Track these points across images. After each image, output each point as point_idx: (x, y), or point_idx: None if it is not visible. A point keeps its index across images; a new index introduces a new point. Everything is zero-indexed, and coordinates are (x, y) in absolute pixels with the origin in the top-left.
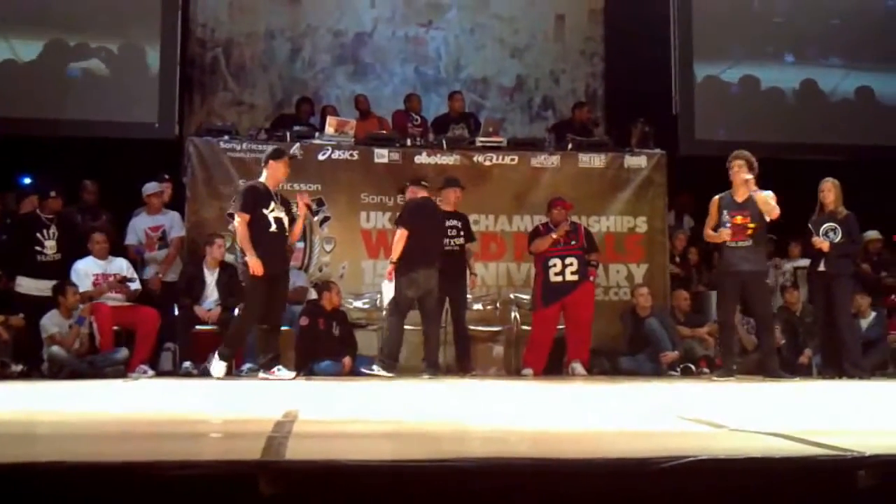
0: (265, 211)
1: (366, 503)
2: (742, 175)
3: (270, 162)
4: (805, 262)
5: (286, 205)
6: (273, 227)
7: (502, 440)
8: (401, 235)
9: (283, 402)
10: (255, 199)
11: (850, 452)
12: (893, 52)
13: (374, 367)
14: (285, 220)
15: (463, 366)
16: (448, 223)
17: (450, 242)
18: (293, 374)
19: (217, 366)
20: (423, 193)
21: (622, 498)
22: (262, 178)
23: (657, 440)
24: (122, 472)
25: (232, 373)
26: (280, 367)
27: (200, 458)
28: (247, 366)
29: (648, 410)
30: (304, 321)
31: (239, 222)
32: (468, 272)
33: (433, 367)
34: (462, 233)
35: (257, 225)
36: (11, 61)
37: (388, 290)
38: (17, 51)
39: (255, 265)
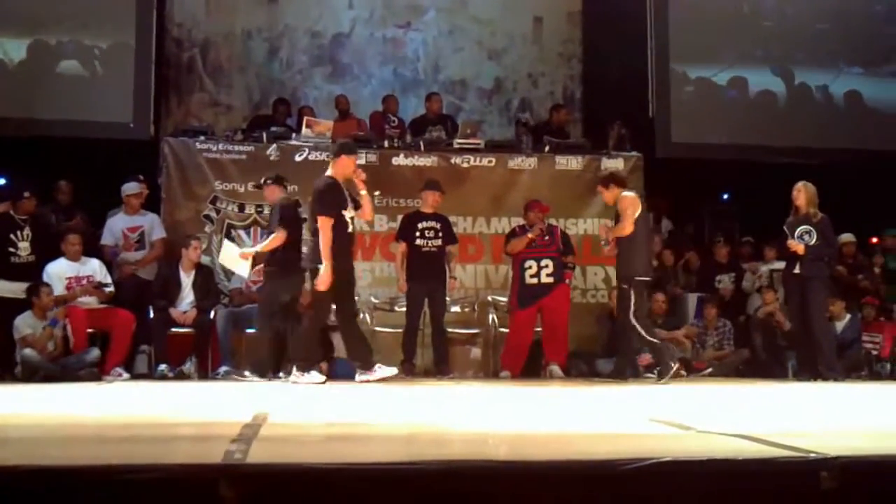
0: (344, 212)
1: None
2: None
3: (342, 157)
4: (781, 265)
5: (350, 193)
6: (350, 228)
7: (476, 442)
8: (279, 237)
9: (255, 405)
10: (337, 199)
11: (813, 454)
12: (880, 56)
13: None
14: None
15: (441, 369)
16: (426, 224)
17: (427, 244)
18: (396, 370)
19: (310, 377)
20: (281, 193)
21: (591, 499)
22: (329, 173)
23: (626, 442)
24: (91, 474)
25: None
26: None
27: (165, 462)
28: (223, 368)
29: (622, 413)
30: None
31: (323, 225)
32: (447, 274)
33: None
34: (441, 234)
35: (338, 228)
36: None
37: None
38: None
39: (325, 279)
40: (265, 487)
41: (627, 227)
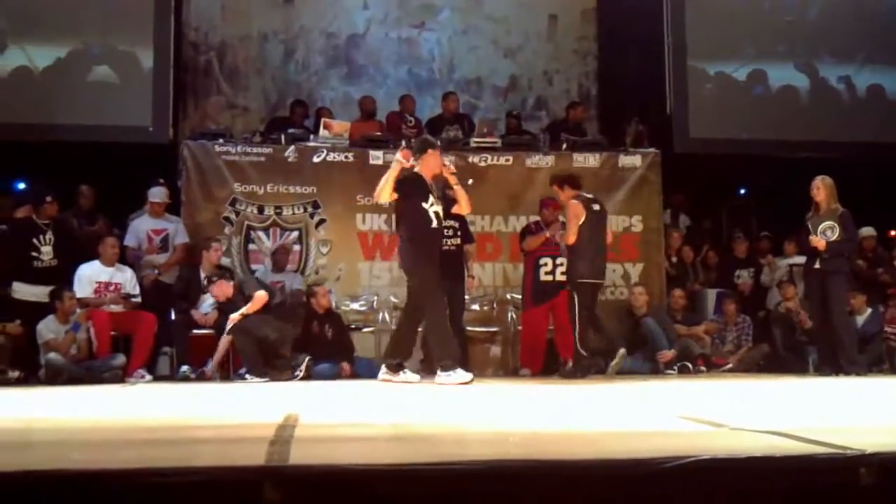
0: (424, 205)
1: None
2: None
3: (429, 151)
4: (800, 260)
5: (444, 197)
6: (434, 223)
7: (503, 442)
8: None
9: (283, 406)
10: (411, 187)
11: (851, 450)
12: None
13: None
14: (441, 215)
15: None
16: (446, 223)
17: (447, 243)
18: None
19: (456, 376)
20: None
21: (624, 499)
22: (417, 169)
23: (659, 440)
24: (125, 478)
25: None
26: (405, 370)
27: (203, 465)
28: (244, 370)
29: (649, 410)
30: None
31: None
32: (466, 273)
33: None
34: (459, 233)
35: (416, 219)
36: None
37: None
38: (9, 56)
39: None
40: (310, 489)
41: (571, 237)
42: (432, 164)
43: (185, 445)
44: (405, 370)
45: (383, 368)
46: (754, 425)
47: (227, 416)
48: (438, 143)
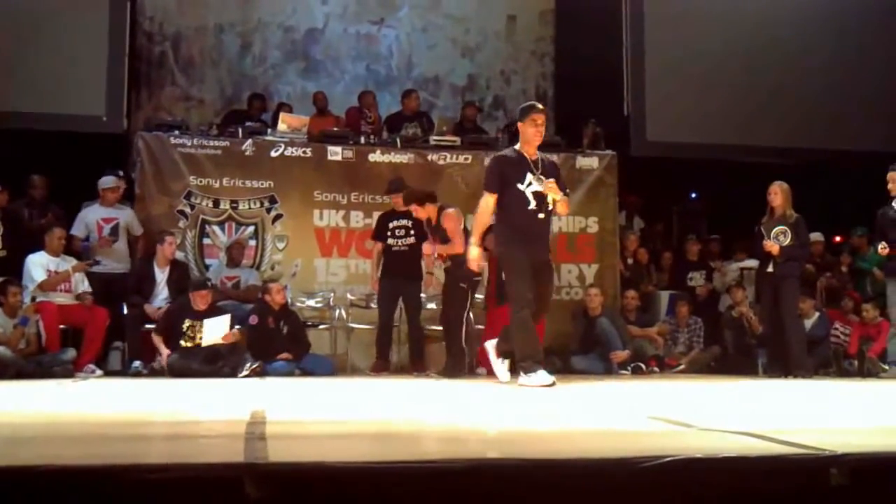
0: (520, 186)
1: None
2: None
3: (518, 125)
4: (751, 263)
5: (551, 169)
6: (532, 204)
7: (485, 441)
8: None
9: (246, 404)
10: (503, 173)
11: (823, 451)
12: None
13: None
14: (542, 193)
15: (416, 365)
16: (397, 223)
17: (398, 243)
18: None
19: (537, 378)
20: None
21: (607, 498)
22: (517, 146)
23: (633, 440)
24: (101, 475)
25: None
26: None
27: (183, 461)
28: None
29: (617, 410)
30: (253, 320)
31: (483, 200)
32: (424, 271)
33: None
34: (412, 232)
35: (509, 203)
36: None
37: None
38: None
39: (475, 258)
40: (292, 486)
41: (459, 246)
42: (529, 135)
43: (159, 441)
44: (537, 370)
45: (521, 374)
46: (722, 426)
47: (190, 413)
48: (541, 105)
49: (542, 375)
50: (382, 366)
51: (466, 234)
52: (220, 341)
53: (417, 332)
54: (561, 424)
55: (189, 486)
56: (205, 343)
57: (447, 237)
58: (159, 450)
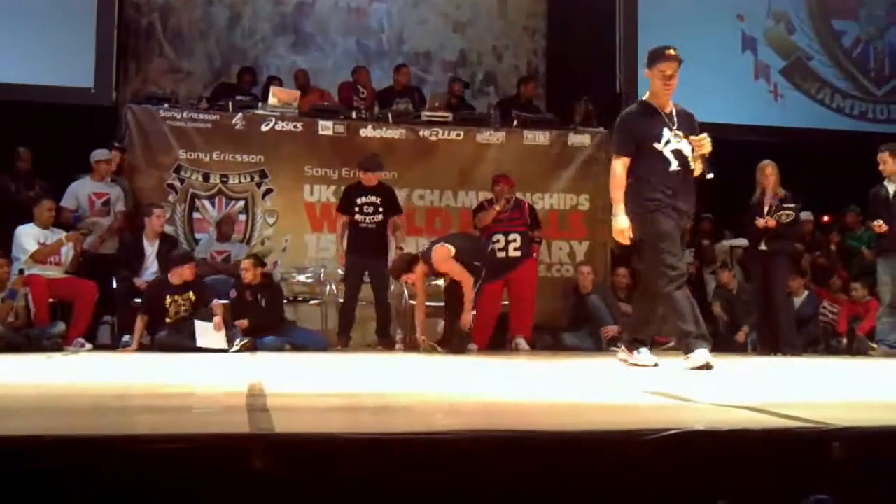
0: (656, 145)
1: (358, 476)
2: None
3: (646, 72)
4: (739, 242)
5: (688, 123)
6: (674, 165)
7: (482, 413)
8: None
9: (241, 375)
10: (634, 133)
11: (826, 425)
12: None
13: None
14: (687, 150)
15: (382, 341)
16: (365, 199)
17: (365, 220)
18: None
19: (698, 355)
20: None
21: (609, 470)
22: (646, 97)
23: (635, 414)
24: (103, 445)
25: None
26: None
27: (188, 431)
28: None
29: (612, 385)
30: (232, 294)
31: (613, 165)
32: (391, 247)
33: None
34: (381, 209)
35: (647, 166)
36: None
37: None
38: None
39: (620, 228)
40: (298, 456)
41: (470, 279)
42: (657, 88)
43: (155, 413)
44: (641, 349)
45: (621, 346)
46: (720, 400)
47: (186, 385)
48: (673, 51)
49: (701, 354)
50: (344, 341)
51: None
52: (218, 332)
53: (384, 309)
54: (559, 398)
55: (191, 457)
56: (204, 345)
57: (451, 278)
58: (158, 421)
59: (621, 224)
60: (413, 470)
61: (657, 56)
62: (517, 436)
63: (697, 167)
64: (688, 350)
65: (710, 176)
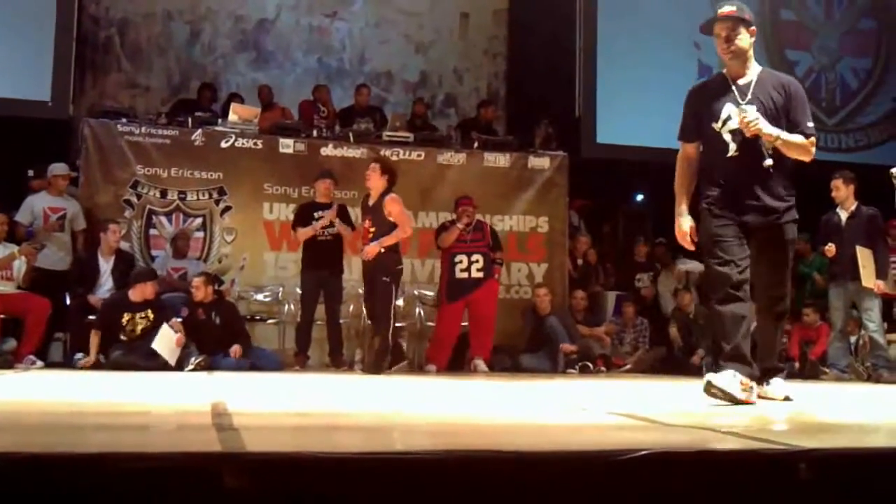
0: (715, 125)
1: (330, 495)
2: None
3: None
4: (692, 266)
5: (781, 94)
6: (731, 149)
7: (449, 433)
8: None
9: (204, 394)
10: (694, 110)
11: (793, 446)
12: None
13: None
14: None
15: (335, 360)
16: (319, 214)
17: (323, 233)
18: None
19: (778, 386)
20: None
21: (580, 490)
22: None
23: (601, 434)
24: (68, 464)
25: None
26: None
27: (156, 450)
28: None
29: (574, 406)
30: (183, 312)
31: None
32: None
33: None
34: (337, 223)
35: (704, 151)
36: None
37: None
38: None
39: (679, 231)
40: (270, 476)
41: (408, 229)
42: (719, 53)
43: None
44: (770, 380)
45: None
46: (684, 421)
47: (143, 403)
48: (726, 8)
49: (779, 385)
50: (301, 360)
51: None
52: (175, 347)
53: (337, 327)
54: (525, 418)
55: (159, 476)
56: (157, 348)
57: (385, 220)
58: (115, 439)
59: (681, 226)
60: (383, 489)
61: (709, 21)
62: (484, 456)
63: (783, 148)
64: (725, 369)
65: (769, 163)
